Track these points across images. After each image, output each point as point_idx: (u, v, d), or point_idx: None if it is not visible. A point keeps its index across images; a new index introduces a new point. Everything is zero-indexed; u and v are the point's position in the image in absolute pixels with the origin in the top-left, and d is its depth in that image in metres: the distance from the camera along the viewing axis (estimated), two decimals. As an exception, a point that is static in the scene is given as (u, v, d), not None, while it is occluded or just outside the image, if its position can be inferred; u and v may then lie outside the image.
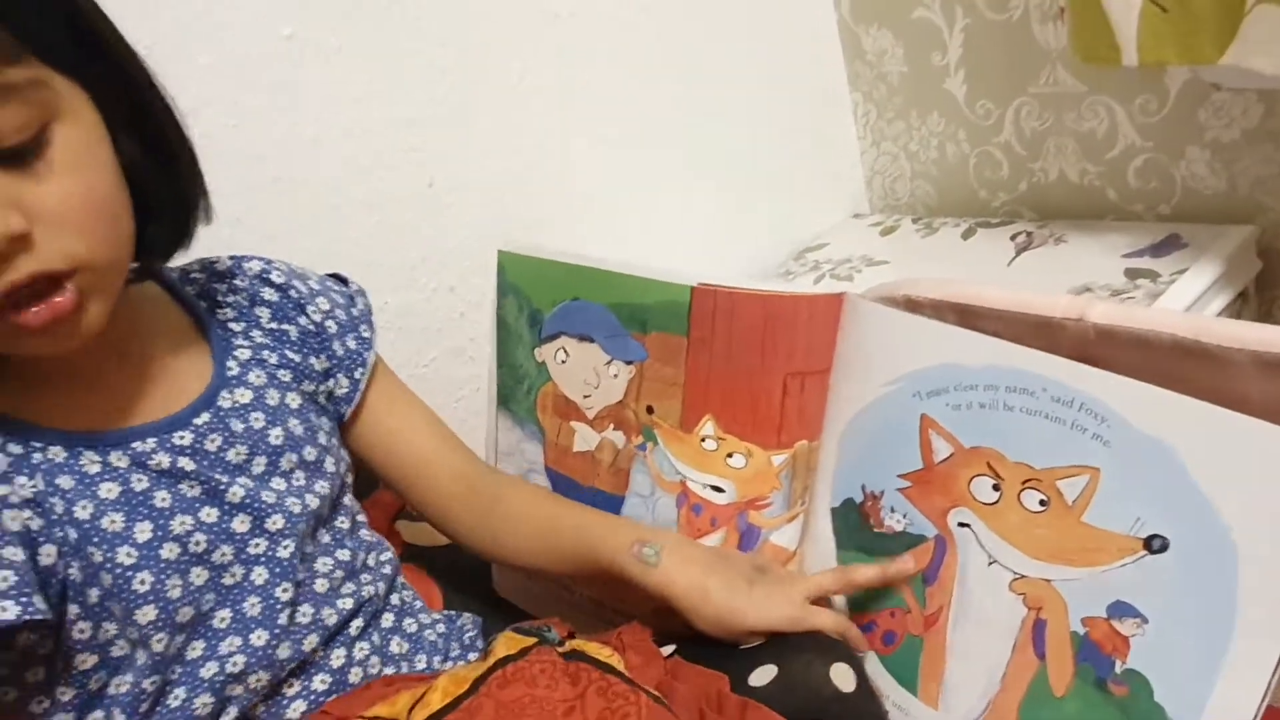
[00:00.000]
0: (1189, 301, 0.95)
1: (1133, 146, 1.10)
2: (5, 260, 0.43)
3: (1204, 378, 0.51)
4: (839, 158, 1.35)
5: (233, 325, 0.60)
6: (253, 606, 0.54)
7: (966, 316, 0.59)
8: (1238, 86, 1.00)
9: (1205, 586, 0.47)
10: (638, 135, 1.11)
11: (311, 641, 0.57)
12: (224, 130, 0.80)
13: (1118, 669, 0.51)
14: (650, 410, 0.66)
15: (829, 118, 1.32)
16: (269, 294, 0.63)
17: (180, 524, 0.52)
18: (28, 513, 0.46)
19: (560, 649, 0.58)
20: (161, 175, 0.52)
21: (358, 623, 0.59)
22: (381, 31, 0.89)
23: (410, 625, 0.63)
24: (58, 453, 0.49)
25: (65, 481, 0.49)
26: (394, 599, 0.63)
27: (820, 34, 1.28)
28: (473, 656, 0.64)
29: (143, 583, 0.50)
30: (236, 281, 0.62)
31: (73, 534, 0.48)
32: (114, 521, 0.50)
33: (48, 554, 0.47)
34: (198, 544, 0.52)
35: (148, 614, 0.50)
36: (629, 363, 0.67)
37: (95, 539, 0.49)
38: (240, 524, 0.54)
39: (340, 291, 0.67)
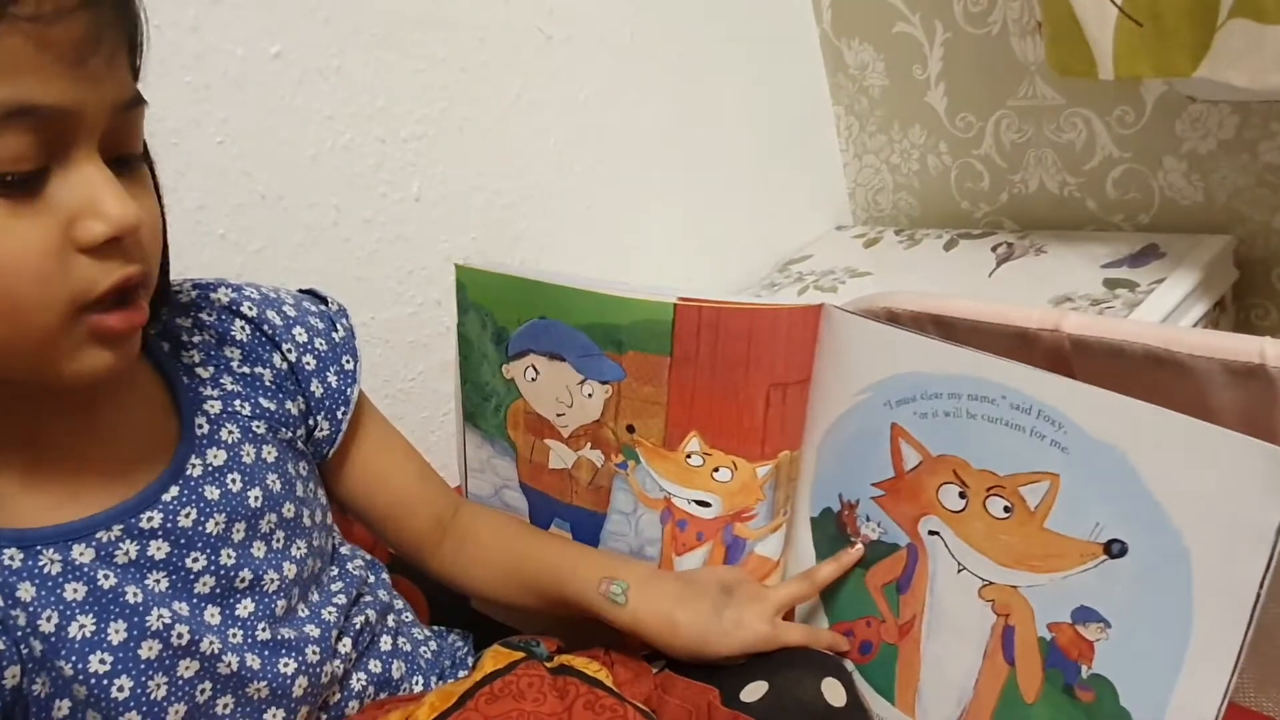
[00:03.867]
0: (1167, 311, 0.96)
1: (1111, 158, 1.12)
2: (122, 255, 0.43)
3: (1176, 386, 0.52)
4: (822, 170, 1.36)
5: (200, 371, 0.55)
6: (259, 690, 0.52)
7: (945, 328, 0.61)
8: (1212, 99, 1.01)
9: (1162, 590, 0.48)
10: (624, 151, 1.13)
11: (330, 695, 0.56)
12: (210, 147, 0.81)
13: (1084, 674, 0.51)
14: (631, 429, 0.66)
15: (812, 131, 1.34)
16: (240, 331, 0.57)
17: (157, 618, 0.48)
18: None
19: (548, 663, 0.58)
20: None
21: (353, 654, 0.58)
22: (382, 52, 0.90)
23: (405, 644, 0.62)
24: (14, 556, 0.45)
25: (25, 591, 0.45)
26: (390, 620, 0.62)
27: (802, 48, 1.30)
28: (463, 673, 0.63)
29: (121, 689, 0.47)
30: (203, 316, 0.56)
31: (38, 647, 0.45)
32: (83, 627, 0.46)
33: (12, 675, 0.44)
34: (180, 636, 0.49)
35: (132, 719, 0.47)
36: (604, 382, 0.66)
37: (63, 651, 0.45)
38: (212, 616, 0.51)
39: (319, 314, 0.61)
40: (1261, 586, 0.45)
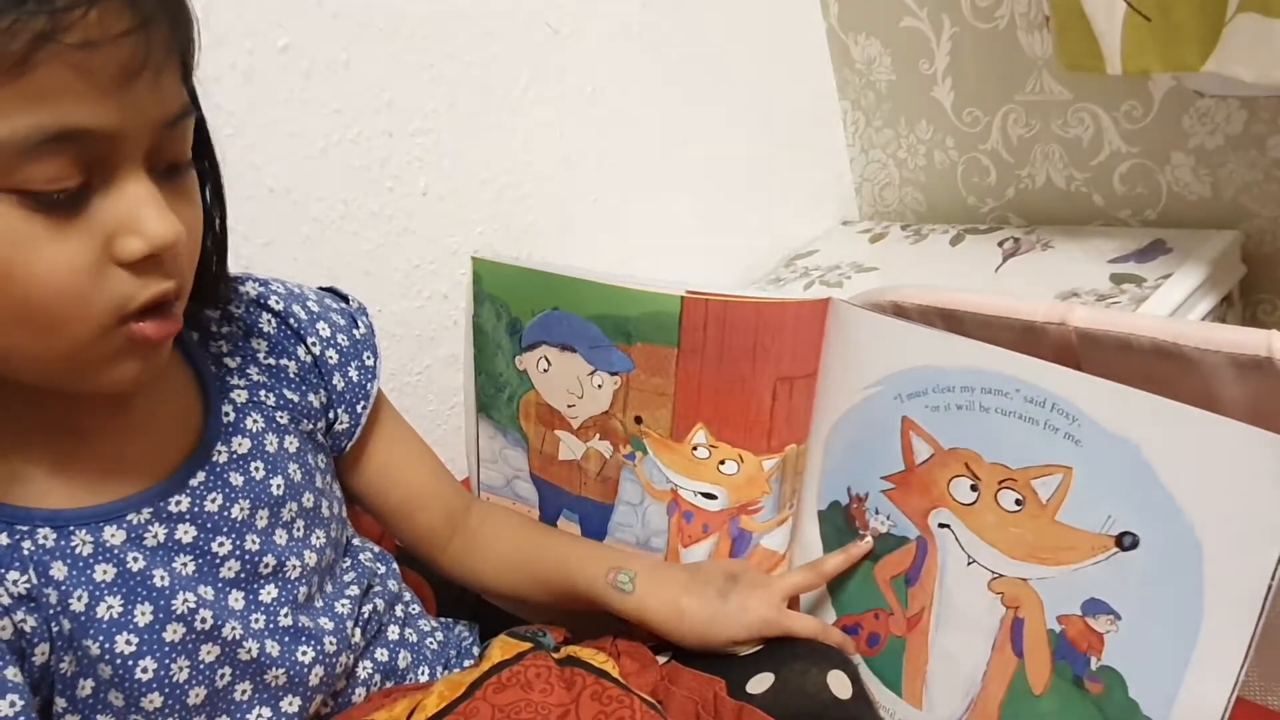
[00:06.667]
0: (1174, 306, 0.96)
1: (1118, 153, 1.12)
2: (160, 270, 0.44)
3: (1183, 380, 0.52)
4: (828, 165, 1.36)
5: (228, 361, 0.56)
6: (276, 678, 0.53)
7: (952, 322, 0.60)
8: (1220, 94, 1.01)
9: (1173, 583, 0.48)
10: (631, 145, 1.13)
11: (340, 684, 0.57)
12: (218, 140, 0.80)
13: (1093, 666, 0.52)
14: (639, 420, 0.67)
15: (818, 126, 1.34)
16: (267, 323, 0.58)
17: (183, 602, 0.49)
18: (20, 613, 0.45)
19: (555, 654, 0.58)
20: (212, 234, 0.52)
21: (361, 644, 0.59)
22: (390, 46, 0.90)
23: (411, 635, 0.63)
24: (47, 536, 0.46)
25: (58, 570, 0.46)
26: (398, 610, 0.63)
27: (809, 43, 1.30)
28: (469, 664, 0.64)
29: (145, 670, 0.48)
30: (231, 308, 0.58)
31: (67, 626, 0.46)
32: (111, 608, 0.47)
33: (41, 652, 0.46)
34: (204, 621, 0.50)
35: (154, 701, 0.48)
36: (614, 373, 0.67)
37: (91, 630, 0.47)
38: (236, 600, 0.52)
39: (340, 311, 0.63)
40: (1273, 580, 0.45)
